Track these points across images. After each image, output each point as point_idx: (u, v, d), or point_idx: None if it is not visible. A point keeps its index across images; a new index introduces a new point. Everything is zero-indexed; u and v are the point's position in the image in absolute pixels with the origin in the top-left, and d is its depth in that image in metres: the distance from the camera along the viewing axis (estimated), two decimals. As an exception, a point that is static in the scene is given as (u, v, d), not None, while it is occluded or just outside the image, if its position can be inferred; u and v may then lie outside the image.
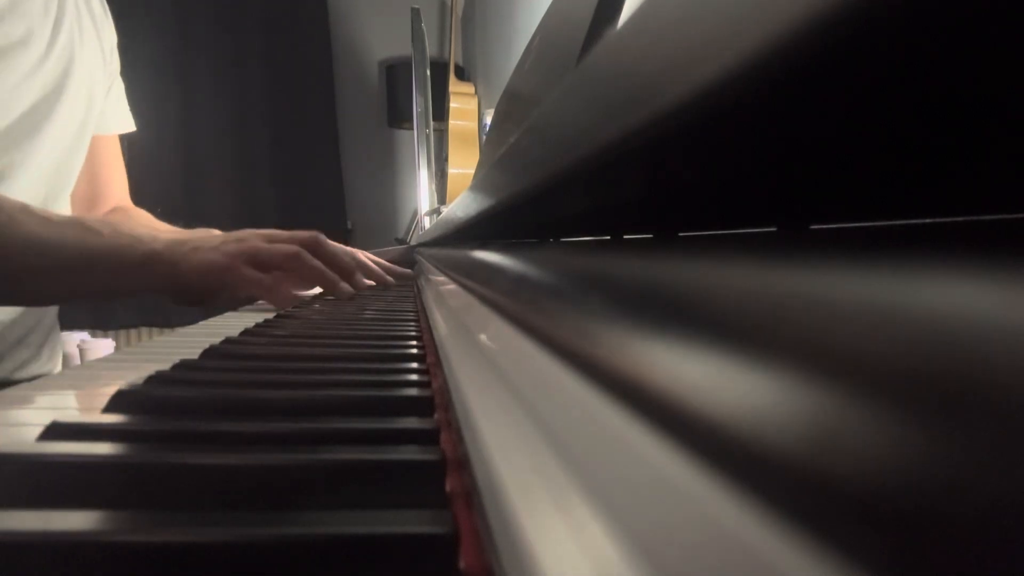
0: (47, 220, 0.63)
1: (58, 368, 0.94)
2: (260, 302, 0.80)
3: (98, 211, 0.99)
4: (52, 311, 0.91)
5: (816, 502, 0.07)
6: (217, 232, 0.88)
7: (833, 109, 0.09)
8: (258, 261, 0.68)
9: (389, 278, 0.94)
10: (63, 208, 0.89)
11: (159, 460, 0.21)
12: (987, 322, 0.06)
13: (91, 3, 0.94)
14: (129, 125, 1.03)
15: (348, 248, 0.87)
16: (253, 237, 0.71)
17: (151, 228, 0.97)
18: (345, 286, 0.75)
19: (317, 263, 0.72)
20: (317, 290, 0.88)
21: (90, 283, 0.65)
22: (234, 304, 0.75)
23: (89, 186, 0.97)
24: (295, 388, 0.32)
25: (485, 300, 0.35)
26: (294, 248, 0.71)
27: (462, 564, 0.16)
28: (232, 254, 0.67)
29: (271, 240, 0.71)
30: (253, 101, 2.91)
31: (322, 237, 0.75)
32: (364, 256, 0.94)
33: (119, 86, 1.01)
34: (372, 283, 0.92)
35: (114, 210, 1.02)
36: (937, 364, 0.06)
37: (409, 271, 1.05)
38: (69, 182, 0.90)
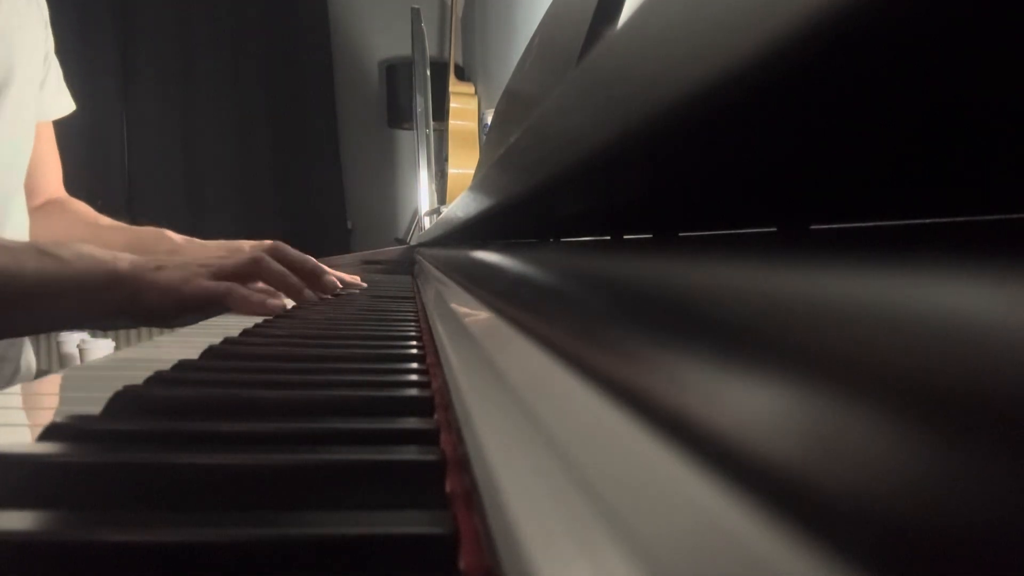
0: (5, 249, 0.60)
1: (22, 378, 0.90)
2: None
3: (32, 204, 0.93)
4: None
5: (816, 502, 0.07)
6: (169, 232, 0.87)
7: (833, 109, 0.09)
8: (221, 276, 0.67)
9: (338, 284, 0.95)
10: (19, 208, 0.84)
11: (159, 460, 0.21)
12: (987, 322, 0.06)
13: None
14: (67, 106, 0.96)
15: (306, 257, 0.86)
16: (215, 258, 0.70)
17: (91, 223, 0.95)
18: (309, 292, 0.74)
19: (279, 267, 0.72)
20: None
21: (52, 313, 0.63)
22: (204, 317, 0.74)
23: (25, 178, 0.91)
24: (295, 388, 0.32)
25: (485, 300, 0.35)
26: (255, 254, 0.70)
27: (462, 565, 0.16)
28: (193, 270, 0.66)
29: (233, 251, 0.71)
30: (253, 101, 2.91)
31: (281, 244, 0.75)
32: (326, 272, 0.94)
33: (56, 67, 0.94)
34: (339, 286, 0.94)
35: (48, 203, 0.96)
36: (938, 364, 0.06)
37: (361, 283, 1.04)
38: (21, 179, 0.85)
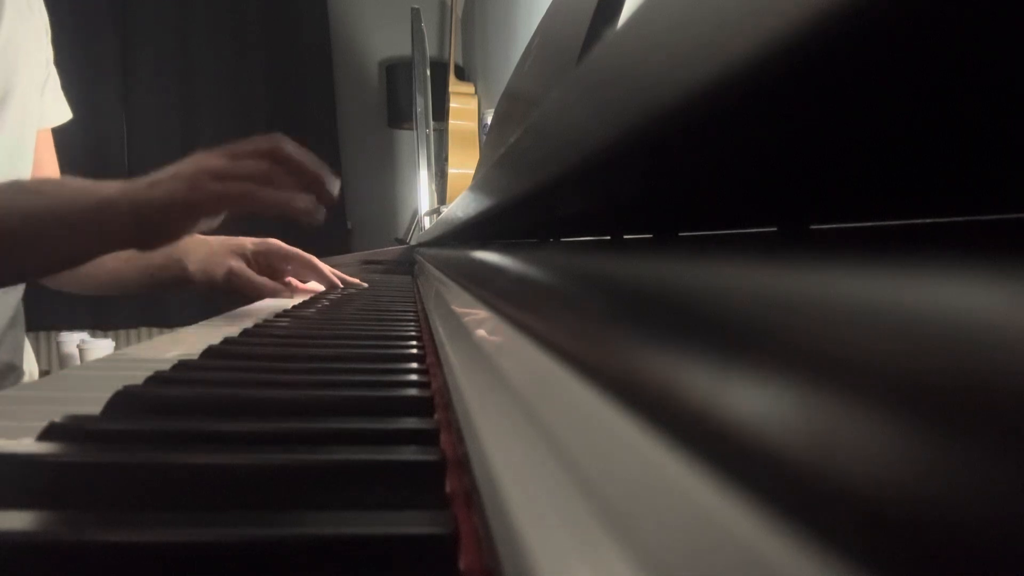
0: None
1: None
2: (244, 308, 0.79)
3: None
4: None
5: (816, 502, 0.07)
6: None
7: (833, 109, 0.09)
8: (225, 177, 0.58)
9: (338, 283, 0.93)
10: None
11: (159, 460, 0.21)
12: (988, 322, 0.06)
13: None
14: (65, 114, 0.94)
15: (299, 252, 0.83)
16: (212, 156, 0.60)
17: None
18: (309, 204, 0.62)
19: (290, 179, 0.61)
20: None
21: (41, 251, 0.56)
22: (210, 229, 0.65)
23: None
24: (295, 388, 0.32)
25: (485, 300, 0.35)
26: (262, 165, 0.60)
27: (462, 564, 0.16)
28: (194, 175, 0.57)
29: (233, 155, 0.60)
30: (253, 101, 2.91)
31: (283, 139, 0.63)
32: (317, 263, 0.93)
33: (54, 76, 0.92)
34: (316, 284, 0.93)
35: None
36: (938, 364, 0.06)
37: (361, 282, 1.03)
38: None
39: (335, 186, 0.66)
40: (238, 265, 0.81)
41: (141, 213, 0.56)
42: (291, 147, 0.63)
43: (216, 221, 0.60)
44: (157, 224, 0.57)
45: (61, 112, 0.95)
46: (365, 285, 1.02)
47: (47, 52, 0.91)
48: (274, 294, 0.84)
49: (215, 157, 0.59)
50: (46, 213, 0.55)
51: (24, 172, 0.85)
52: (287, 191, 0.59)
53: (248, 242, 0.85)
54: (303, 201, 0.59)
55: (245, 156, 0.60)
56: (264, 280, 0.83)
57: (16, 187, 0.57)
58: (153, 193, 0.56)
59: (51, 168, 0.96)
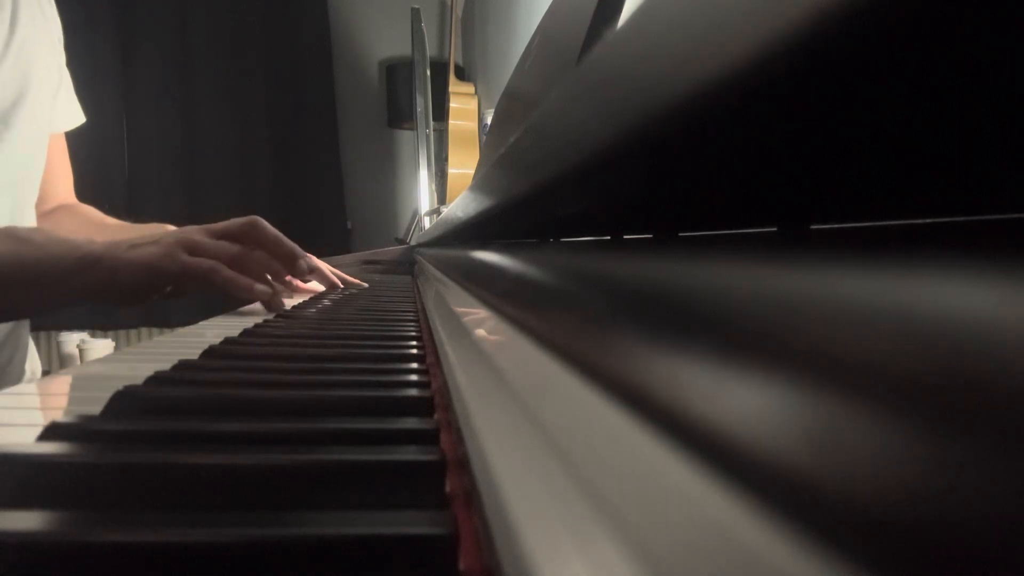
0: None
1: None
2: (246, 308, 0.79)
3: (42, 209, 0.94)
4: None
5: (816, 502, 0.07)
6: (170, 227, 0.84)
7: (833, 109, 0.09)
8: (198, 254, 0.66)
9: (339, 283, 0.94)
10: (32, 218, 0.85)
11: (159, 460, 0.21)
12: (988, 322, 0.06)
13: None
14: (78, 118, 0.98)
15: (297, 248, 0.84)
16: (193, 231, 0.68)
17: (99, 224, 0.95)
18: (279, 300, 0.70)
19: (261, 259, 0.69)
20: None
21: (27, 297, 0.62)
22: (179, 295, 0.70)
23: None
24: (295, 388, 0.32)
25: (485, 300, 0.35)
26: (235, 247, 0.68)
27: (462, 565, 0.16)
28: (170, 244, 0.65)
29: (211, 233, 0.68)
30: (253, 101, 2.91)
31: (260, 222, 0.72)
32: (320, 264, 0.94)
33: (67, 80, 0.95)
34: (316, 284, 0.93)
35: (58, 208, 0.97)
36: (938, 364, 0.06)
37: (361, 283, 1.03)
38: (35, 191, 0.86)
39: (303, 268, 0.76)
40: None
41: (118, 271, 0.63)
42: (267, 227, 0.72)
43: (185, 289, 0.68)
44: (130, 284, 0.64)
45: (74, 115, 0.97)
46: (365, 285, 1.02)
47: (59, 56, 0.92)
48: (263, 296, 0.84)
49: (196, 232, 0.68)
50: (35, 263, 0.62)
51: (37, 173, 0.86)
52: (248, 278, 0.67)
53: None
54: (261, 293, 0.67)
55: (223, 234, 0.69)
56: (246, 279, 0.83)
57: (6, 234, 0.63)
58: (131, 255, 0.64)
59: (64, 172, 0.98)
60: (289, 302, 0.79)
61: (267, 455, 0.21)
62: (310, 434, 0.24)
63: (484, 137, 1.86)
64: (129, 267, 0.63)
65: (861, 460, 0.06)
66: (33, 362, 0.91)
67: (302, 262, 0.76)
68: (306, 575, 0.16)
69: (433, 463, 0.21)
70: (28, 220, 0.85)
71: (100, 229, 0.92)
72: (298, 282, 0.93)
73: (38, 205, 0.91)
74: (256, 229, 0.71)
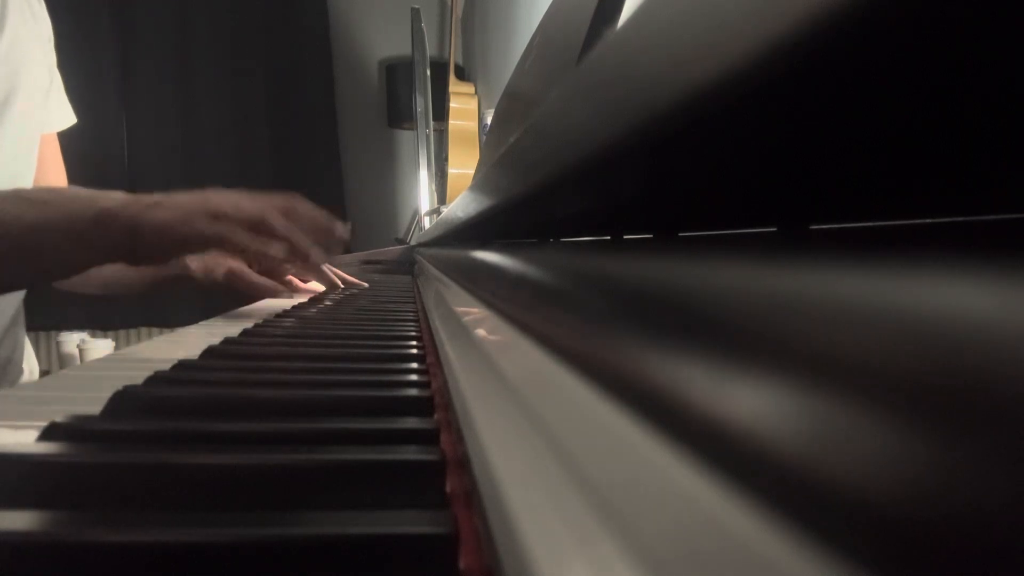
0: None
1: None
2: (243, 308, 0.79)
3: None
4: None
5: (816, 502, 0.07)
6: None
7: (833, 109, 0.09)
8: (221, 218, 0.62)
9: (339, 283, 0.93)
10: None
11: (159, 460, 0.21)
12: (988, 322, 0.06)
13: None
14: (69, 119, 0.96)
15: (334, 223, 0.83)
16: (217, 195, 0.65)
17: None
18: (316, 253, 0.67)
19: (283, 225, 0.65)
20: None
21: (43, 260, 0.59)
22: (187, 274, 0.67)
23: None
24: (295, 388, 0.32)
25: (485, 300, 0.35)
26: (258, 208, 0.64)
27: (462, 564, 0.16)
28: (192, 211, 0.62)
29: (237, 202, 0.65)
30: (253, 101, 2.91)
31: (298, 200, 0.69)
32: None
33: (58, 81, 0.94)
34: (316, 284, 0.92)
35: None
36: (938, 364, 0.06)
37: (361, 283, 1.03)
38: None
39: (344, 235, 0.72)
40: (238, 265, 0.81)
41: (136, 230, 0.60)
42: (303, 207, 0.68)
43: (203, 254, 0.66)
44: (148, 244, 0.61)
45: (65, 116, 0.96)
46: (365, 285, 1.02)
47: (50, 57, 0.91)
48: (274, 294, 0.84)
49: (221, 198, 0.64)
50: (48, 223, 0.58)
51: (27, 175, 0.85)
52: (271, 243, 0.64)
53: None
54: (279, 251, 0.64)
55: (251, 205, 0.65)
56: (263, 280, 0.83)
57: (19, 196, 0.60)
58: (151, 214, 0.60)
59: (57, 172, 0.97)
60: (289, 302, 0.79)
61: (267, 455, 0.21)
62: (310, 434, 0.24)
63: (484, 137, 1.86)
64: (148, 227, 0.60)
65: (861, 460, 0.06)
66: (30, 361, 0.91)
67: (339, 227, 0.71)
68: (306, 575, 0.16)
69: (433, 463, 0.21)
70: None
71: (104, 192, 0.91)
72: (298, 282, 0.93)
73: None
74: (291, 210, 0.67)
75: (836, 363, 0.07)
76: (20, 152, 0.84)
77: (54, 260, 0.60)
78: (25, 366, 0.89)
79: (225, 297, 0.83)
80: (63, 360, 2.49)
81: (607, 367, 0.15)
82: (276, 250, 0.64)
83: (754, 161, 0.13)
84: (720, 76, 0.09)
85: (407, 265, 1.54)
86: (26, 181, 0.85)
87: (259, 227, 0.64)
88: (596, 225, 0.30)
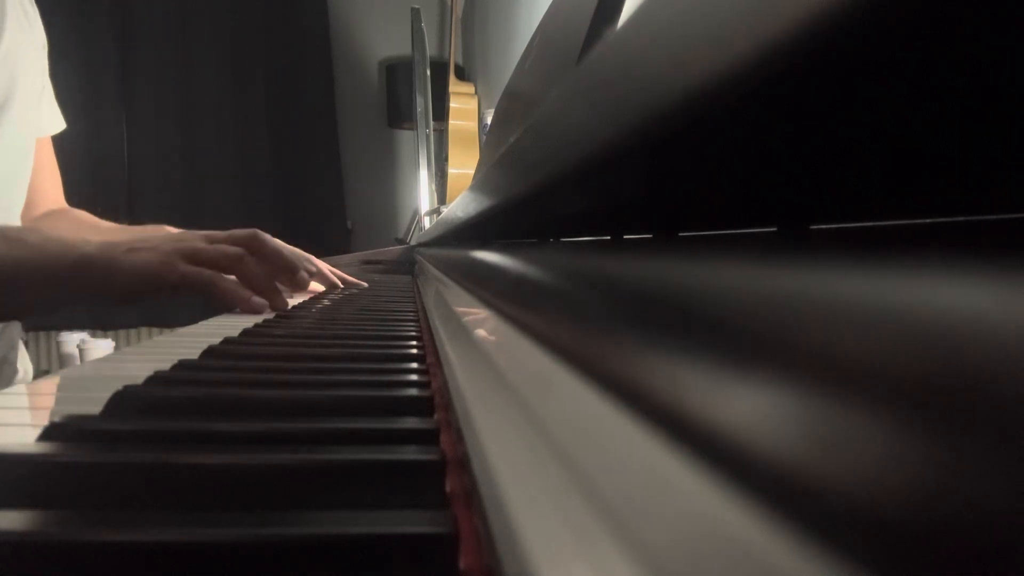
0: None
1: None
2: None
3: (31, 215, 0.94)
4: None
5: (816, 502, 0.07)
6: (169, 228, 0.84)
7: (833, 109, 0.09)
8: (198, 261, 0.65)
9: (339, 283, 0.94)
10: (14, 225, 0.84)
11: (159, 460, 0.21)
12: (988, 322, 0.06)
13: (23, 1, 0.88)
14: (59, 124, 0.98)
15: (298, 251, 0.83)
16: (192, 237, 0.68)
17: (93, 227, 0.94)
18: (281, 299, 0.70)
19: (259, 270, 0.69)
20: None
21: (21, 297, 0.62)
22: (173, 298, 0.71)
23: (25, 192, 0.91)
24: (295, 388, 0.32)
25: (485, 300, 0.35)
26: (236, 250, 0.67)
27: (462, 564, 0.16)
28: (169, 252, 0.64)
29: (211, 241, 0.68)
30: (253, 101, 2.91)
31: (261, 235, 0.72)
32: (320, 264, 0.94)
33: (49, 87, 0.96)
34: (316, 284, 0.93)
35: (49, 213, 0.97)
36: (938, 364, 0.06)
37: (361, 282, 1.04)
38: (20, 198, 0.85)
39: (304, 281, 0.76)
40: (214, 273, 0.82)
41: (113, 273, 0.63)
42: (267, 240, 0.72)
43: (179, 294, 0.67)
44: (124, 287, 0.64)
45: (56, 122, 0.97)
46: (365, 285, 1.02)
47: (43, 63, 0.92)
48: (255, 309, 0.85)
49: (195, 239, 0.68)
50: (30, 263, 0.61)
51: (24, 179, 0.86)
52: (246, 291, 0.67)
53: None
54: (257, 305, 0.67)
55: (222, 242, 0.68)
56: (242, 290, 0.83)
57: (2, 236, 0.62)
58: (128, 258, 0.63)
59: (52, 176, 0.98)
60: (289, 302, 0.79)
61: (267, 455, 0.21)
62: (310, 434, 0.24)
63: (484, 137, 1.86)
64: (125, 271, 0.63)
65: (861, 460, 0.06)
66: (24, 361, 0.91)
67: (302, 275, 0.75)
68: (306, 575, 0.16)
69: (433, 463, 0.21)
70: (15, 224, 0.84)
71: (94, 231, 0.92)
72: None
73: (28, 211, 0.92)
74: (256, 240, 0.71)
75: (836, 363, 0.07)
76: (17, 155, 0.84)
77: (29, 298, 0.63)
78: (20, 366, 0.89)
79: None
80: (63, 360, 2.49)
81: (607, 367, 0.15)
82: (244, 296, 0.67)
83: (754, 161, 0.13)
84: (720, 76, 0.09)
85: (407, 265, 1.54)
86: (23, 185, 0.86)
87: (236, 264, 0.67)
88: (596, 225, 0.30)
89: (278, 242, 0.75)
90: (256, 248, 0.71)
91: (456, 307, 0.40)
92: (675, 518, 0.09)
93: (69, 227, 0.94)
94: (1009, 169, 0.09)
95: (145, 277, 0.63)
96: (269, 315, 0.64)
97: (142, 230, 0.91)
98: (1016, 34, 0.06)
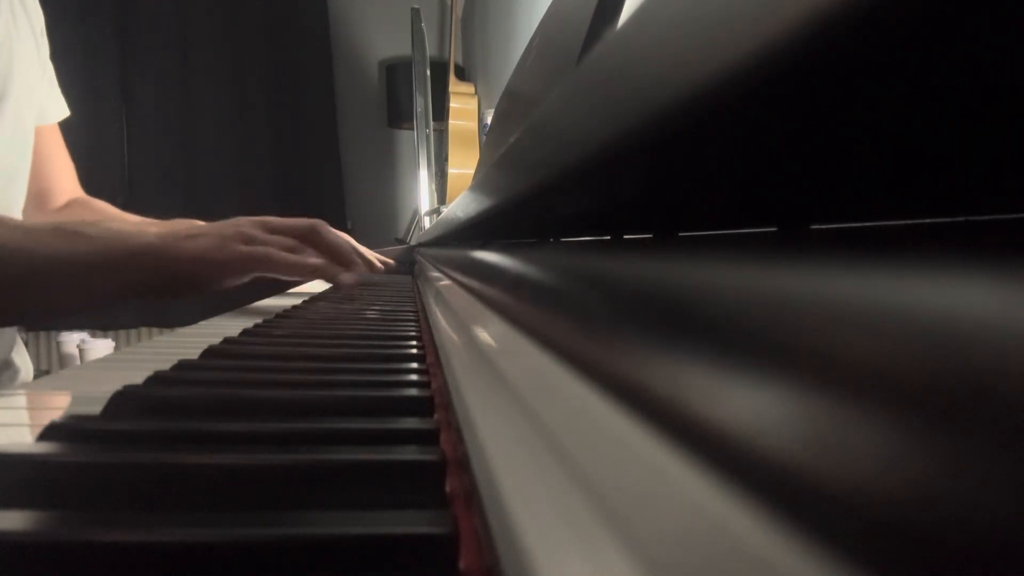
0: (26, 231, 0.58)
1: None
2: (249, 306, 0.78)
3: (51, 206, 0.92)
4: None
5: (816, 502, 0.07)
6: (196, 221, 0.83)
7: (833, 108, 0.09)
8: (254, 244, 0.64)
9: (379, 266, 0.94)
10: (20, 216, 0.83)
11: (159, 460, 0.21)
12: (988, 322, 0.06)
13: None
14: (62, 111, 0.96)
15: (352, 242, 0.83)
16: (248, 224, 0.67)
17: (120, 220, 0.92)
18: (345, 276, 0.70)
19: (316, 262, 0.68)
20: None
21: (83, 291, 0.60)
22: (237, 290, 0.68)
23: (36, 182, 0.89)
24: (295, 388, 0.32)
25: (485, 300, 0.35)
26: (291, 242, 0.67)
27: (462, 564, 0.16)
28: (228, 236, 0.63)
29: (268, 228, 0.67)
30: (253, 101, 2.91)
31: (320, 228, 0.71)
32: (365, 250, 0.93)
33: (51, 71, 0.93)
34: (367, 271, 0.93)
35: (71, 203, 0.95)
36: (938, 364, 0.06)
37: (392, 262, 1.05)
38: (21, 191, 0.84)
39: (355, 279, 0.73)
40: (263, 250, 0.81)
41: (174, 263, 0.61)
42: (326, 233, 0.71)
43: (243, 280, 0.66)
44: (187, 275, 0.62)
45: (59, 108, 0.96)
46: (392, 262, 1.02)
47: (44, 48, 0.91)
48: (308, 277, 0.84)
49: (252, 225, 0.66)
50: (87, 257, 0.58)
51: (23, 167, 0.85)
52: (312, 259, 0.65)
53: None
54: (325, 269, 0.66)
55: (279, 230, 0.67)
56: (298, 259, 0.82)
57: (58, 230, 0.59)
58: (186, 245, 0.61)
59: (65, 163, 0.96)
60: (289, 302, 0.79)
61: (267, 455, 0.21)
62: (310, 434, 0.24)
63: (484, 137, 1.86)
64: (185, 258, 0.61)
65: (861, 460, 0.06)
66: (25, 361, 0.91)
67: (352, 274, 0.74)
68: (306, 575, 0.16)
69: (433, 463, 0.21)
70: (17, 216, 0.83)
71: (124, 224, 0.91)
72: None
73: (47, 201, 0.90)
74: (315, 234, 0.70)
75: (837, 363, 0.07)
76: (17, 145, 0.83)
77: (86, 292, 0.60)
78: (21, 365, 0.89)
79: (225, 297, 0.82)
80: (63, 360, 2.49)
81: (607, 367, 0.15)
82: (312, 264, 0.65)
83: (754, 161, 0.13)
84: (720, 76, 0.09)
85: (407, 265, 1.54)
86: (24, 174, 0.85)
87: (295, 245, 0.65)
88: (596, 225, 0.30)
89: (337, 236, 0.73)
90: (315, 242, 0.69)
91: (456, 307, 0.40)
92: (675, 518, 0.09)
93: (97, 218, 0.93)
94: (1009, 169, 0.09)
95: (204, 262, 0.61)
96: (269, 315, 0.64)
97: (172, 223, 0.90)
98: (1016, 34, 0.06)
